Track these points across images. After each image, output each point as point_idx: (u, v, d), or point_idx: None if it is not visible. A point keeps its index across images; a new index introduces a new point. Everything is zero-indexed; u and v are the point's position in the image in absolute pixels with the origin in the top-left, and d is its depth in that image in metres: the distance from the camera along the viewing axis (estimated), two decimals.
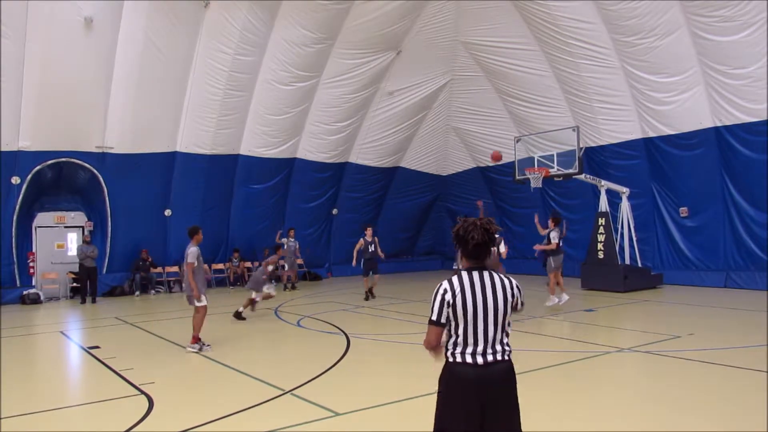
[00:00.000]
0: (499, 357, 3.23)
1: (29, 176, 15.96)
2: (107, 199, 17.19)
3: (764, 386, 6.21)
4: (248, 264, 20.12)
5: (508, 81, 19.83)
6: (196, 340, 8.88)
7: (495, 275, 3.27)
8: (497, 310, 3.19)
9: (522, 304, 3.35)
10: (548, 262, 12.75)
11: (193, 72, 17.26)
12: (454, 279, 3.20)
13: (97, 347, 9.47)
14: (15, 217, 15.96)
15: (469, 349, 3.19)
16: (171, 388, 6.84)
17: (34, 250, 17.04)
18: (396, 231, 23.79)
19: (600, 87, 17.29)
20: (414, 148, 23.63)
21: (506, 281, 3.27)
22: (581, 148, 15.48)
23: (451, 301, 3.16)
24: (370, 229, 15.37)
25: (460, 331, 3.19)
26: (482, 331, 3.17)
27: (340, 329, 10.53)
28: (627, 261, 16.18)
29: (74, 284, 17.20)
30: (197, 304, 8.91)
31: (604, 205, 16.06)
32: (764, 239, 15.23)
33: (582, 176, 15.53)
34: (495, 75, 20.17)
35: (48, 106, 15.42)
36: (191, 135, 18.06)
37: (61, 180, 17.33)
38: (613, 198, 16.93)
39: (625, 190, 16.28)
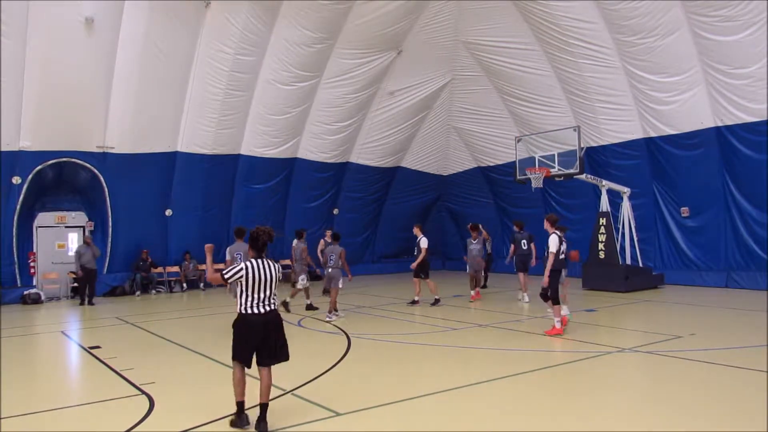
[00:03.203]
0: (272, 308, 5.40)
1: (30, 176, 15.96)
2: (108, 198, 17.19)
3: (764, 386, 6.21)
4: None
5: (509, 81, 19.82)
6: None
7: (269, 261, 5.41)
8: (272, 280, 5.37)
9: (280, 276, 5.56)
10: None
11: (194, 72, 17.27)
12: (248, 263, 5.30)
13: (97, 347, 9.47)
14: (16, 217, 15.97)
15: (256, 304, 5.31)
16: (171, 388, 6.84)
17: (34, 250, 17.05)
18: (396, 231, 23.79)
19: (601, 87, 17.29)
20: (415, 148, 23.64)
21: (273, 265, 5.43)
22: (582, 148, 15.46)
23: (244, 275, 5.25)
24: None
25: (250, 292, 5.29)
26: (263, 293, 5.32)
27: (341, 329, 10.53)
28: (628, 261, 16.17)
29: (75, 284, 17.17)
30: (300, 285, 11.77)
31: (605, 205, 16.04)
32: (765, 239, 15.22)
33: (583, 176, 15.51)
34: (496, 75, 20.16)
35: (49, 106, 15.42)
36: (192, 135, 18.07)
37: (62, 180, 17.34)
38: (614, 198, 16.92)
39: (626, 190, 16.26)
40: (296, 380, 6.86)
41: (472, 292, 14.50)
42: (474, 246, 14.41)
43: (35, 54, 14.72)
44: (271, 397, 6.18)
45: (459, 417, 5.62)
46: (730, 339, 9.04)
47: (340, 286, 11.89)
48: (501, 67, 19.68)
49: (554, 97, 18.81)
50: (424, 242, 13.53)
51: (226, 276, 5.32)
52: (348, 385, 6.84)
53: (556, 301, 9.61)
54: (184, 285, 18.72)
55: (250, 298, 5.29)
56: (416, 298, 13.68)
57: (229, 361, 6.14)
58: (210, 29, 16.87)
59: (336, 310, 11.85)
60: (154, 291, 18.01)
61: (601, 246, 15.61)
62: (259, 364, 5.39)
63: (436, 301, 13.50)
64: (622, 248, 16.12)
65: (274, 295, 5.43)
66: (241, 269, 5.25)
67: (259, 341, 5.32)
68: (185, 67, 17.07)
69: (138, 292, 17.59)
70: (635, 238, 16.35)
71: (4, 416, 5.92)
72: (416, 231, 13.92)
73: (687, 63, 15.37)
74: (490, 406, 5.98)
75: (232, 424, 5.42)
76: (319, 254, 14.89)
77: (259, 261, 5.35)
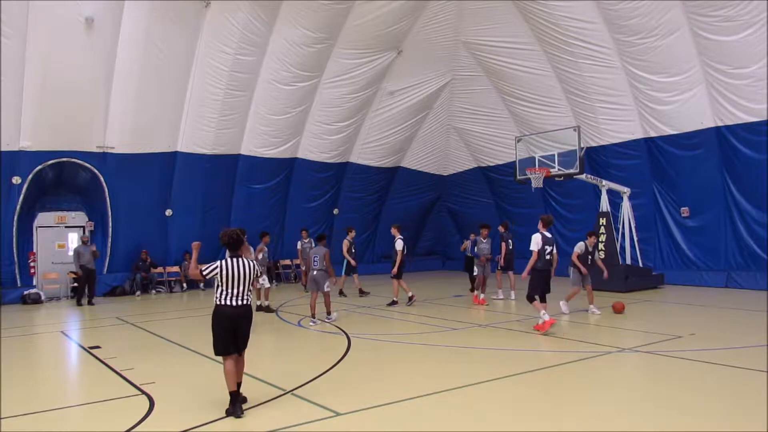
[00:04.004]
0: (243, 302, 5.94)
1: (30, 176, 15.96)
2: (108, 198, 17.18)
3: (764, 386, 6.21)
4: None
5: (509, 81, 19.82)
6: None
7: (245, 260, 5.98)
8: (245, 277, 5.91)
9: (259, 273, 6.29)
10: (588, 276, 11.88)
11: (194, 72, 17.26)
12: (223, 261, 5.89)
13: (97, 347, 9.47)
14: (16, 217, 15.96)
15: (228, 298, 5.89)
16: (171, 388, 6.84)
17: (34, 250, 17.05)
18: None
19: (601, 87, 17.29)
20: (415, 148, 23.64)
21: (249, 263, 6.00)
22: (582, 148, 15.47)
23: (218, 271, 5.85)
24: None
25: (224, 288, 5.88)
26: (236, 289, 5.89)
27: (341, 329, 10.53)
28: (628, 261, 16.17)
29: (75, 284, 17.15)
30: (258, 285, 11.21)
31: (605, 205, 16.05)
32: (765, 239, 15.21)
33: (583, 176, 15.52)
34: (496, 75, 20.16)
35: (49, 106, 15.42)
36: (192, 135, 18.06)
37: (62, 180, 17.33)
38: (614, 198, 16.92)
39: (626, 190, 16.26)
40: (296, 380, 6.86)
41: (481, 296, 13.62)
42: (484, 246, 13.78)
43: (35, 54, 14.71)
44: (269, 397, 6.22)
45: (459, 417, 5.62)
46: (730, 339, 9.04)
47: (327, 288, 11.18)
48: (501, 67, 19.67)
49: (554, 97, 18.80)
50: (399, 244, 13.54)
51: (204, 272, 5.90)
52: (348, 385, 6.84)
53: (531, 299, 9.85)
54: (184, 285, 18.72)
55: (224, 293, 5.89)
56: (410, 294, 13.61)
57: None
58: (210, 29, 16.87)
59: (314, 316, 11.20)
60: (154, 291, 18.01)
61: (601, 246, 15.57)
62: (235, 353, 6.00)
63: (393, 303, 13.54)
64: (622, 248, 16.12)
65: (249, 291, 6.01)
66: (216, 266, 5.87)
67: (233, 331, 5.89)
68: (185, 67, 17.06)
69: (138, 292, 17.59)
70: (635, 238, 16.35)
71: (4, 416, 5.92)
72: (393, 231, 13.94)
73: (687, 63, 15.37)
74: (490, 406, 5.98)
75: (227, 412, 5.74)
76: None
77: (234, 259, 5.94)
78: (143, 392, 6.59)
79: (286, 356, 8.89)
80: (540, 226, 9.98)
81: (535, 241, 9.74)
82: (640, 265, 16.44)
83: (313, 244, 17.37)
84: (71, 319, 13.67)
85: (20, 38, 14.43)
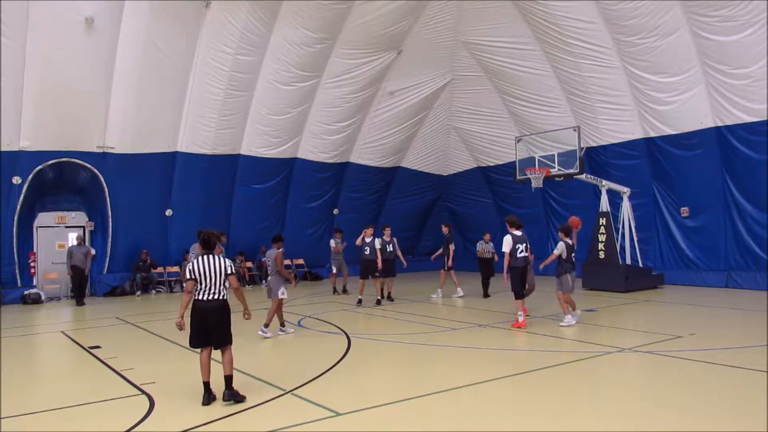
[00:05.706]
0: (215, 297, 6.23)
1: (30, 176, 15.97)
2: (108, 199, 17.19)
3: (764, 386, 6.21)
4: (249, 264, 20.17)
5: (508, 81, 19.81)
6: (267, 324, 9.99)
7: (217, 257, 6.33)
8: (217, 274, 6.24)
9: (233, 269, 6.38)
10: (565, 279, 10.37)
11: (194, 72, 17.27)
12: (198, 259, 6.27)
13: (98, 347, 9.48)
14: (16, 217, 15.98)
15: (200, 293, 6.23)
16: (171, 388, 6.84)
17: (35, 250, 17.05)
18: (397, 231, 23.65)
19: (601, 87, 17.28)
20: (415, 148, 23.63)
21: (222, 260, 6.31)
22: (582, 148, 15.46)
23: (193, 270, 6.21)
24: (371, 228, 14.45)
25: (199, 283, 6.21)
26: (208, 284, 6.22)
27: (341, 329, 10.53)
28: (628, 261, 16.16)
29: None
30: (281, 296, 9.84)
31: (605, 205, 16.04)
32: (765, 239, 15.21)
33: (583, 176, 15.51)
34: (496, 75, 20.15)
35: (49, 106, 15.43)
36: (192, 135, 18.07)
37: (62, 180, 17.33)
38: (614, 198, 16.92)
39: (626, 190, 16.26)
40: (296, 380, 6.86)
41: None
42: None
43: (35, 54, 14.73)
44: (270, 397, 6.21)
45: (459, 417, 5.62)
46: (730, 339, 9.03)
47: (280, 296, 9.82)
48: (501, 67, 19.67)
49: (554, 97, 18.79)
50: (378, 243, 13.97)
51: (188, 276, 6.30)
52: (348, 385, 6.84)
53: (518, 296, 10.31)
54: (185, 285, 18.70)
55: (199, 288, 6.24)
56: (379, 297, 14.16)
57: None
58: (210, 29, 16.87)
59: (282, 325, 10.18)
60: (154, 291, 18.02)
61: (601, 246, 15.60)
62: (214, 348, 6.28)
63: (377, 302, 13.95)
64: (622, 248, 16.11)
65: (224, 286, 6.31)
66: (192, 264, 6.31)
67: (207, 324, 6.19)
68: (185, 67, 17.06)
69: (138, 292, 17.60)
70: (635, 238, 16.34)
71: (4, 416, 5.92)
72: (369, 232, 14.20)
73: (687, 63, 15.37)
74: (491, 406, 5.98)
75: (224, 398, 6.09)
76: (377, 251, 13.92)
77: (206, 257, 6.30)
78: (143, 392, 6.60)
79: (286, 356, 8.89)
80: (508, 227, 10.51)
81: (506, 243, 10.24)
82: (640, 265, 16.43)
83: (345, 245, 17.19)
84: (71, 319, 13.67)
85: (20, 38, 14.45)
